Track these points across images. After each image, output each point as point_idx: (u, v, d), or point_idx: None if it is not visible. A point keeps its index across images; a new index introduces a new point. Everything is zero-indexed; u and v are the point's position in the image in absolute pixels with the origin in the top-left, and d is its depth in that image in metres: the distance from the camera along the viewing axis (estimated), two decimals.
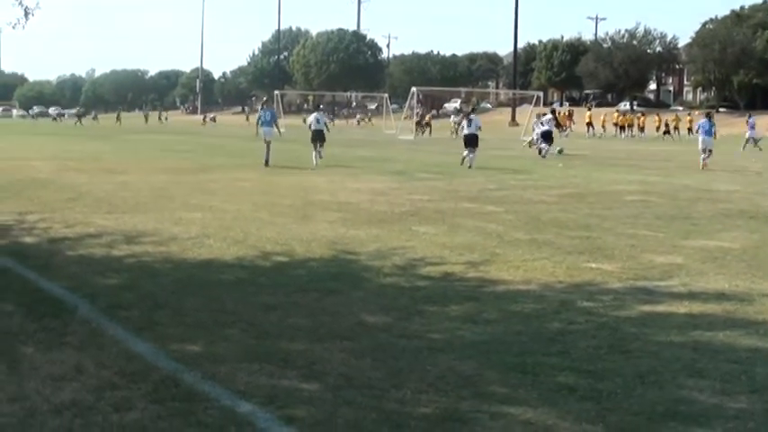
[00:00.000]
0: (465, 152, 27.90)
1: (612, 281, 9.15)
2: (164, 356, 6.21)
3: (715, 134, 31.35)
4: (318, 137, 28.53)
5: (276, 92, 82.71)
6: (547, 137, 34.01)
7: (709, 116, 31.59)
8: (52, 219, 13.48)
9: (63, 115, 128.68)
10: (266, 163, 26.86)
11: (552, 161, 30.90)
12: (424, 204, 15.96)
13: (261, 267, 9.77)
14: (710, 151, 28.98)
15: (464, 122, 30.85)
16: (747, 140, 44.15)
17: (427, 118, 66.58)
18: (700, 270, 9.79)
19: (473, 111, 34.93)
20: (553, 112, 38.26)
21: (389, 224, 13.24)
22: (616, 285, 8.93)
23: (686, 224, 13.72)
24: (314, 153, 28.11)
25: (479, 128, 29.22)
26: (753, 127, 44.87)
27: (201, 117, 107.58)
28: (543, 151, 33.39)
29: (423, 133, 60.86)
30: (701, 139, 29.76)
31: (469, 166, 26.97)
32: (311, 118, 30.20)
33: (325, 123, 30.18)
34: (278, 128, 29.09)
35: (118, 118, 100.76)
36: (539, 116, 36.42)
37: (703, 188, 20.39)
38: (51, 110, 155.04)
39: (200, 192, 17.76)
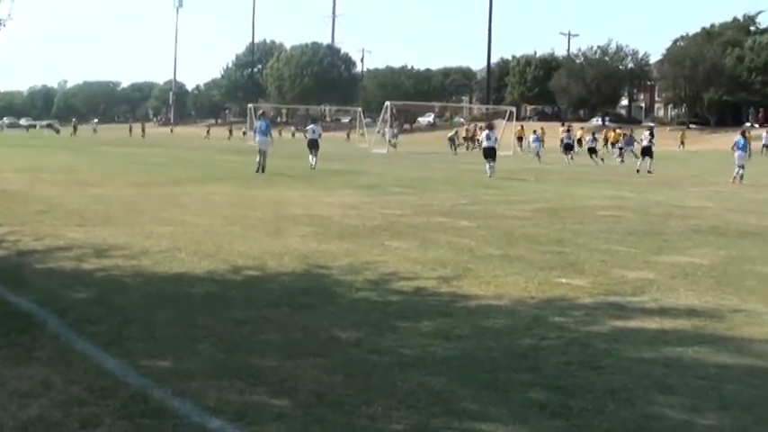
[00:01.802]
0: (487, 164, 31.01)
1: (584, 296, 9.17)
2: (133, 372, 6.15)
3: (750, 151, 31.95)
4: (313, 145, 33.51)
5: (250, 105, 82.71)
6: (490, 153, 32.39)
7: (744, 134, 32.06)
8: (22, 231, 13.36)
9: (34, 126, 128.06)
10: (261, 170, 29.21)
11: (525, 176, 30.98)
12: (396, 219, 15.95)
13: (232, 281, 9.73)
14: (743, 167, 29.55)
15: (484, 136, 33.52)
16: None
17: (472, 133, 65.78)
18: (670, 286, 9.83)
19: (491, 126, 36.45)
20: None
21: (361, 238, 13.22)
22: (587, 301, 8.95)
23: (658, 240, 13.78)
24: (310, 157, 33.20)
25: (497, 141, 33.18)
26: None
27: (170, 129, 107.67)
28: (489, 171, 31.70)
29: (468, 149, 60.11)
30: (736, 155, 30.31)
31: (489, 176, 29.90)
32: (308, 128, 35.18)
33: (320, 134, 35.07)
34: (271, 138, 32.60)
35: (75, 130, 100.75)
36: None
37: (675, 204, 20.51)
38: (22, 121, 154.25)
39: (172, 205, 17.67)
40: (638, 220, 16.75)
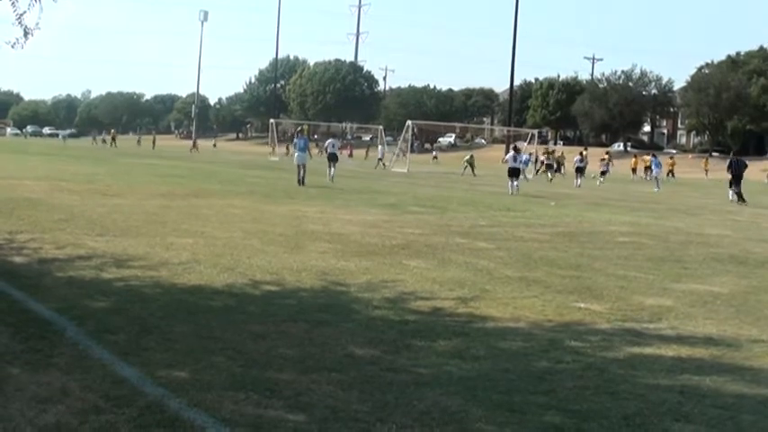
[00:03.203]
0: (509, 183, 33.96)
1: (601, 321, 9.15)
2: (150, 382, 6.18)
3: None
4: (333, 158, 36.88)
5: (271, 120, 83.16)
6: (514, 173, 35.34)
7: None
8: (43, 239, 13.44)
9: (56, 135, 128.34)
10: (300, 182, 31.95)
11: (545, 199, 30.96)
12: (415, 238, 15.95)
13: (250, 295, 9.75)
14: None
15: (509, 157, 35.92)
16: None
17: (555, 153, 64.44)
18: (689, 314, 9.80)
19: (516, 149, 38.97)
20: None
21: (380, 257, 13.24)
22: (605, 326, 8.93)
23: (677, 267, 13.74)
24: (328, 169, 36.21)
25: (522, 162, 36.66)
26: None
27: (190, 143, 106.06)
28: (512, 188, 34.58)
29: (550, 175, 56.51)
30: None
31: (511, 194, 32.60)
32: (327, 143, 39.02)
33: (339, 148, 39.87)
34: (310, 153, 35.36)
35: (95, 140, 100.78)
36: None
37: (694, 231, 20.45)
38: (45, 129, 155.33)
39: (193, 217, 17.73)
40: (657, 246, 16.70)
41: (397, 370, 6.80)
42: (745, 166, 36.20)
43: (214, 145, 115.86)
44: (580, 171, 47.30)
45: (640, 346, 8.06)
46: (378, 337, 7.93)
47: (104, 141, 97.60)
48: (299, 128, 44.15)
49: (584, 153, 53.13)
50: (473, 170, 52.88)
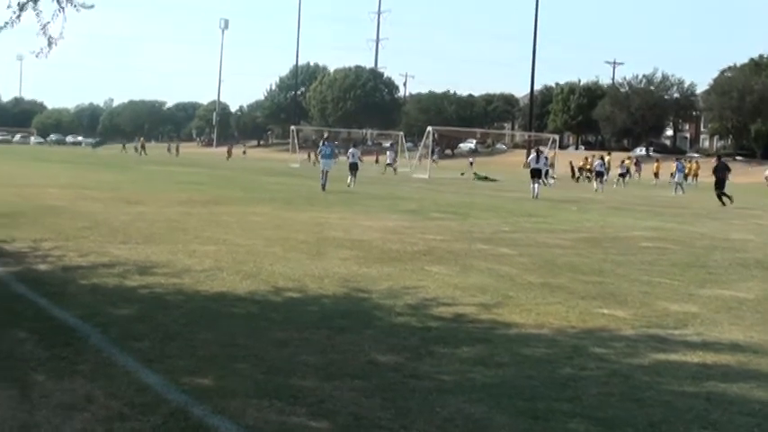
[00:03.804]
0: (532, 184, 35.02)
1: (625, 328, 9.10)
2: (174, 389, 6.19)
3: None
4: (353, 167, 37.97)
5: (292, 127, 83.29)
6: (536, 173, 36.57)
7: None
8: (66, 247, 13.49)
9: (79, 143, 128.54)
10: (323, 188, 32.96)
11: (568, 204, 30.89)
12: (437, 244, 15.93)
13: (273, 302, 9.76)
14: None
15: (532, 158, 37.60)
16: None
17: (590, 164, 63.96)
18: (714, 320, 9.74)
19: (539, 151, 40.69)
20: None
21: (402, 263, 13.22)
22: (629, 332, 8.88)
23: (702, 273, 13.66)
24: (350, 178, 37.34)
25: (545, 164, 38.25)
26: None
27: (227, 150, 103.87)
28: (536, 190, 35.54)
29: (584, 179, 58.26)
30: None
31: (533, 196, 33.70)
32: (348, 152, 39.85)
33: (359, 157, 40.05)
34: (336, 160, 36.81)
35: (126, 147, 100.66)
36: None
37: (719, 237, 20.33)
38: (68, 138, 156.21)
39: (215, 225, 17.78)
40: (682, 251, 16.61)
41: (419, 377, 6.79)
42: (729, 169, 37.31)
43: (244, 152, 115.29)
44: (600, 175, 47.21)
45: (665, 353, 8.01)
46: (400, 343, 7.91)
47: (136, 150, 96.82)
48: (326, 135, 45.05)
49: (607, 158, 53.08)
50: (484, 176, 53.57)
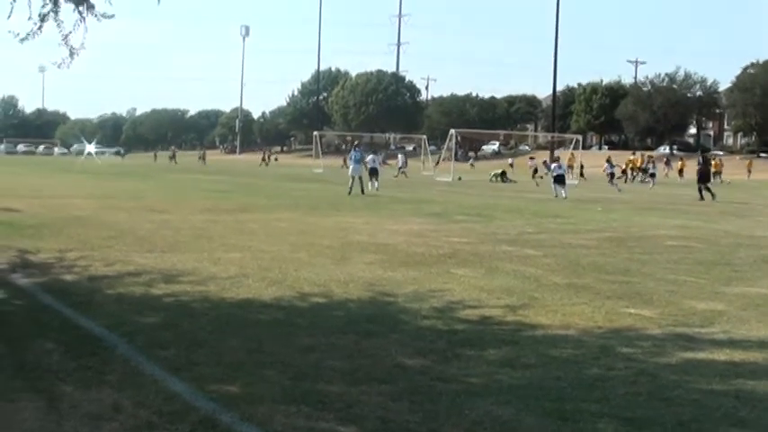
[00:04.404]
0: (556, 189, 36.27)
1: (652, 327, 9.06)
2: (201, 397, 6.21)
3: None
4: (374, 172, 38.65)
5: (315, 132, 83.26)
6: (560, 179, 37.60)
7: None
8: (92, 256, 13.56)
9: (103, 153, 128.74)
10: (349, 192, 34.03)
11: (592, 204, 30.79)
12: (461, 247, 15.91)
13: (299, 308, 9.78)
14: None
15: (554, 166, 38.91)
16: None
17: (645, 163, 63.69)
18: (741, 317, 9.68)
19: (557, 159, 43.60)
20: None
21: (427, 266, 13.21)
22: (656, 331, 8.84)
23: (727, 270, 13.58)
24: (370, 183, 37.57)
25: (565, 169, 39.79)
26: None
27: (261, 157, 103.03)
28: (557, 192, 36.55)
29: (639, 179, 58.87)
30: None
31: (564, 197, 34.74)
32: (368, 158, 39.72)
33: (380, 163, 42.16)
34: (365, 165, 37.59)
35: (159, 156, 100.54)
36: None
37: (744, 234, 20.20)
38: (91, 147, 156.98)
39: (239, 232, 17.82)
40: (707, 249, 16.51)
41: (447, 380, 6.78)
42: (710, 162, 39.54)
43: (275, 159, 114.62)
44: (612, 177, 47.34)
45: (693, 351, 7.97)
46: (427, 346, 7.91)
47: (171, 159, 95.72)
48: (356, 142, 47.72)
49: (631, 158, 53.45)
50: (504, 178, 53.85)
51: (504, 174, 55.72)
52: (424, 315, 9.44)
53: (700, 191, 36.57)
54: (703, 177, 37.54)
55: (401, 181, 52.00)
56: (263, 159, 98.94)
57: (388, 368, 7.12)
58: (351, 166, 37.09)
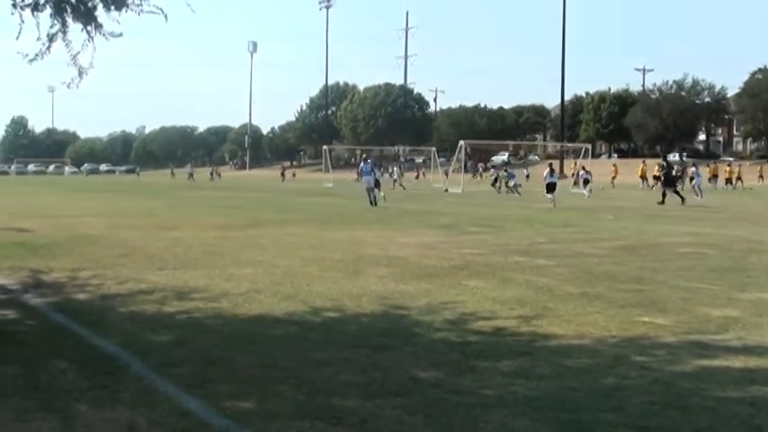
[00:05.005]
0: (549, 196, 37.88)
1: (666, 335, 9.04)
2: (216, 413, 6.21)
3: None
4: (377, 185, 38.24)
5: (324, 147, 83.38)
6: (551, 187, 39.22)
7: None
8: (104, 275, 13.57)
9: (113, 171, 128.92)
10: (372, 203, 35.37)
11: (603, 213, 30.74)
12: (473, 258, 15.89)
13: (311, 323, 9.77)
14: None
15: (546, 174, 40.61)
16: None
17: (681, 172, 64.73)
18: (756, 323, 9.64)
19: (552, 167, 43.56)
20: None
21: (439, 278, 13.20)
22: (670, 339, 8.81)
23: (741, 276, 13.54)
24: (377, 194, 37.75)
25: (558, 177, 41.64)
26: None
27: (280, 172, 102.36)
28: (550, 200, 37.91)
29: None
30: None
31: (554, 205, 35.83)
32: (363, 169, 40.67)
33: (380, 175, 41.93)
34: (374, 177, 38.02)
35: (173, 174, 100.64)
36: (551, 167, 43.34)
37: (756, 239, 20.15)
38: (102, 166, 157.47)
39: (251, 247, 17.82)
40: (720, 256, 16.47)
41: (461, 392, 6.76)
42: (672, 167, 40.83)
43: (293, 174, 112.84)
44: (586, 183, 49.59)
45: (708, 359, 7.95)
46: (441, 359, 7.90)
47: (191, 176, 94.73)
48: (365, 155, 48.56)
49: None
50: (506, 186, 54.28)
51: (497, 180, 56.44)
52: (437, 327, 9.42)
53: (663, 195, 37.62)
54: (668, 182, 38.92)
55: (411, 193, 51.97)
56: (282, 174, 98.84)
57: (403, 381, 7.11)
58: (363, 178, 38.78)
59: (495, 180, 56.32)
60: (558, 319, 9.81)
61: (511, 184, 51.99)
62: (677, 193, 37.85)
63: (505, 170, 59.38)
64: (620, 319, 9.81)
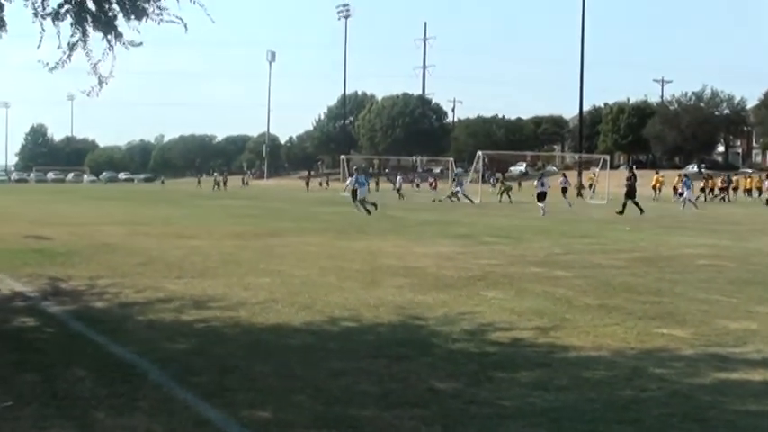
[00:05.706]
0: (540, 205, 38.97)
1: (685, 347, 9.00)
2: (234, 422, 6.21)
3: None
4: (353, 196, 39.68)
5: (342, 156, 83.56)
6: (542, 196, 40.21)
7: None
8: (122, 283, 13.61)
9: (132, 180, 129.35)
10: (375, 207, 37.05)
11: (621, 224, 30.66)
12: (491, 269, 15.86)
13: (329, 333, 9.77)
14: None
15: (538, 182, 41.67)
16: None
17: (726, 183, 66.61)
18: None
19: (542, 175, 44.81)
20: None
21: (457, 289, 13.18)
22: (689, 352, 8.77)
23: (760, 289, 13.47)
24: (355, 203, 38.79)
25: (549, 186, 41.61)
26: None
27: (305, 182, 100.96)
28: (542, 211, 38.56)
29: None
30: None
31: (543, 215, 36.70)
32: (351, 179, 41.90)
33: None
34: (368, 188, 40.61)
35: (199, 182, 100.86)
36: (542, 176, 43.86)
37: None
38: (121, 175, 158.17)
39: (269, 256, 17.85)
40: (739, 268, 16.39)
41: (479, 403, 6.75)
42: (636, 177, 40.65)
43: (321, 184, 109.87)
44: (565, 191, 52.79)
45: (727, 371, 7.91)
46: (458, 370, 7.88)
47: (217, 185, 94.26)
48: (355, 167, 51.53)
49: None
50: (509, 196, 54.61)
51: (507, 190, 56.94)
52: (454, 338, 9.41)
53: (623, 206, 37.90)
54: (630, 192, 38.93)
55: (428, 204, 51.96)
56: (307, 184, 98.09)
57: (420, 392, 7.10)
58: (358, 189, 38.92)
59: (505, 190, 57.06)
60: (576, 331, 9.78)
61: (456, 191, 54.66)
62: (636, 204, 38.03)
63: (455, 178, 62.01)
64: (638, 331, 9.78)
